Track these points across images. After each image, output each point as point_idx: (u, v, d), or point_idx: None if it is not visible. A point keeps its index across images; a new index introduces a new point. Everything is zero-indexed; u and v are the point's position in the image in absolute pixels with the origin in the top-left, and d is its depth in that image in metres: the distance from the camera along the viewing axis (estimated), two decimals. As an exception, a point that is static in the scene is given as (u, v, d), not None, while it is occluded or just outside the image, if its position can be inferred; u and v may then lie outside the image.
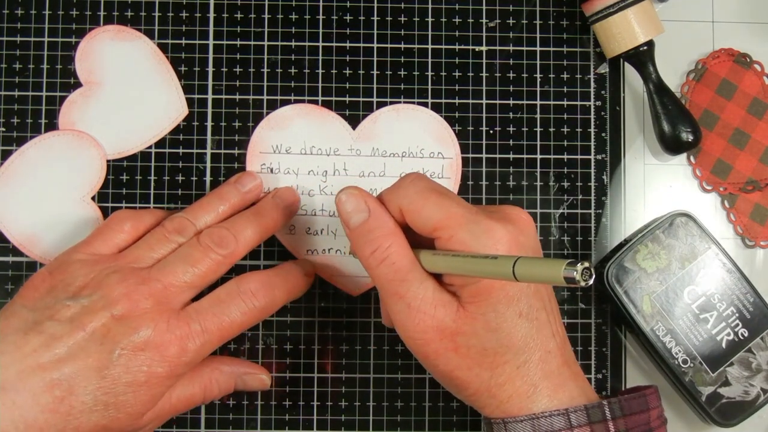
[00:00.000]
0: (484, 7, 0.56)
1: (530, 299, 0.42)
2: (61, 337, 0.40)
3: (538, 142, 0.56)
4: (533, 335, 0.41)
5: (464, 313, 0.41)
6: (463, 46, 0.56)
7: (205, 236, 0.45)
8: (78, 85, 0.55)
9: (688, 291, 0.52)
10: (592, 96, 0.56)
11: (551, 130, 0.56)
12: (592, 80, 0.56)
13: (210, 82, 0.55)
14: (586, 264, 0.33)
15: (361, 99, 0.55)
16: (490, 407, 0.42)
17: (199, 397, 0.47)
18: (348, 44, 0.56)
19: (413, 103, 0.55)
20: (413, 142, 0.55)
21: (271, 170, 0.54)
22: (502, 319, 0.41)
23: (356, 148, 0.55)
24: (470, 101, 0.56)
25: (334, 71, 0.56)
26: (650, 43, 0.53)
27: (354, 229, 0.44)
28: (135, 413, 0.41)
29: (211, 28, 0.56)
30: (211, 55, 0.55)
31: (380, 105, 0.55)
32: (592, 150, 0.56)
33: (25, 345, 0.40)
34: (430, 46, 0.56)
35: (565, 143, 0.56)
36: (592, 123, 0.56)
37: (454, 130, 0.55)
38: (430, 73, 0.56)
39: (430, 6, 0.56)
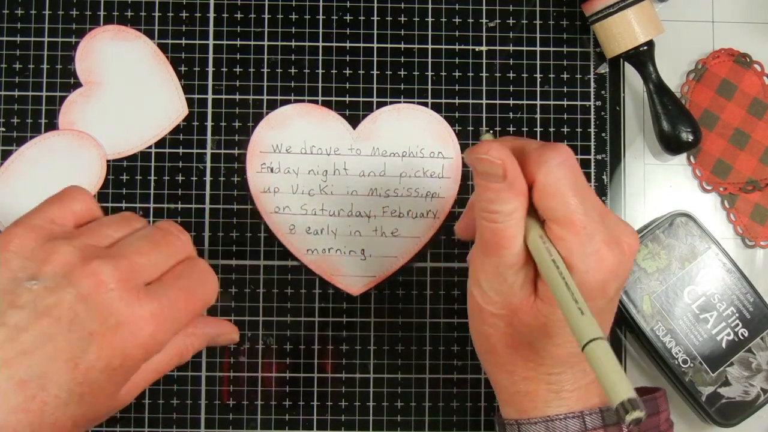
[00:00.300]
0: (484, 7, 0.56)
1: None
2: (26, 327, 0.37)
3: (538, 142, 0.56)
4: (579, 353, 0.39)
5: (534, 305, 0.40)
6: (463, 46, 0.56)
7: (162, 223, 0.43)
8: (78, 85, 0.55)
9: (688, 291, 0.52)
10: (592, 96, 0.56)
11: (551, 130, 0.56)
12: (592, 80, 0.56)
13: (210, 82, 0.55)
14: (640, 416, 0.31)
15: (361, 99, 0.55)
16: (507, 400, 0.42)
17: (175, 362, 0.44)
18: (348, 44, 0.56)
19: (413, 103, 0.56)
20: (413, 141, 0.55)
21: (271, 170, 0.55)
22: (561, 331, 0.40)
23: (356, 147, 0.55)
24: (470, 101, 0.56)
25: (334, 71, 0.56)
26: (650, 43, 0.53)
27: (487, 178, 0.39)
28: (111, 395, 0.39)
29: (211, 28, 0.56)
30: (211, 55, 0.55)
31: (380, 105, 0.55)
32: (592, 150, 0.56)
33: None
34: (430, 46, 0.56)
35: (565, 143, 0.56)
36: (592, 123, 0.56)
37: (454, 130, 0.55)
38: (430, 73, 0.56)
39: (430, 6, 0.56)
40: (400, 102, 0.55)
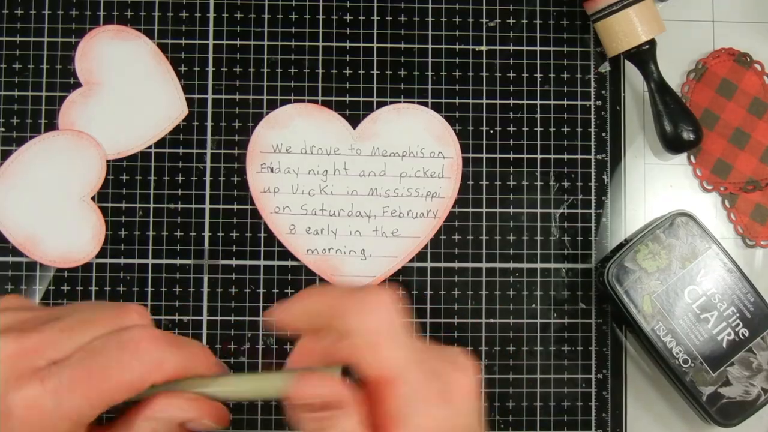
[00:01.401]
0: (484, 7, 0.56)
1: None
2: None
3: (538, 142, 0.56)
4: None
5: None
6: (463, 46, 0.56)
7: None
8: (78, 85, 0.55)
9: (688, 291, 0.52)
10: (593, 96, 0.56)
11: (551, 130, 0.56)
12: (592, 80, 0.56)
13: (210, 82, 0.55)
14: None
15: (361, 99, 0.55)
16: None
17: None
18: (348, 44, 0.56)
19: (413, 103, 0.55)
20: (414, 141, 0.55)
21: (271, 170, 0.54)
22: None
23: (356, 147, 0.55)
24: (470, 101, 0.56)
25: (334, 71, 0.56)
26: (652, 42, 0.53)
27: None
28: None
29: (211, 28, 0.56)
30: (211, 55, 0.55)
31: (380, 105, 0.55)
32: (593, 150, 0.56)
33: None
34: (430, 46, 0.56)
35: (566, 143, 0.56)
36: (593, 123, 0.56)
37: (455, 130, 0.55)
38: (430, 73, 0.56)
39: (430, 6, 0.56)
40: (400, 102, 0.55)
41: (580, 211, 0.56)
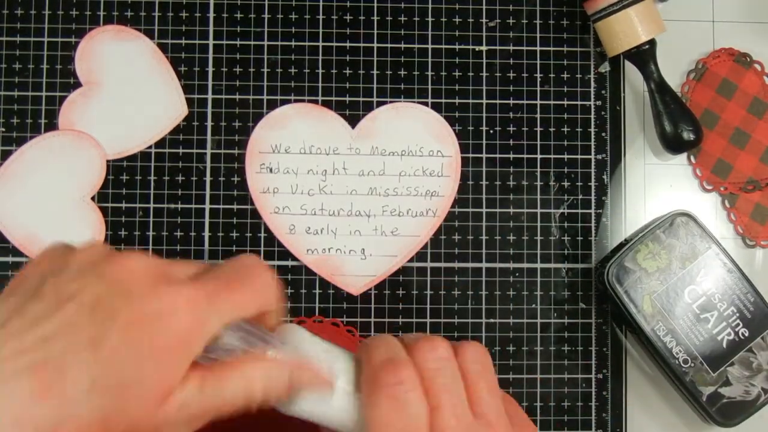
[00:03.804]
0: (484, 7, 0.56)
1: None
2: (46, 315, 0.34)
3: (538, 142, 0.56)
4: None
5: None
6: (463, 46, 0.56)
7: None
8: (78, 85, 0.55)
9: (688, 291, 0.52)
10: (593, 96, 0.56)
11: (551, 130, 0.56)
12: (592, 80, 0.56)
13: (210, 82, 0.55)
14: None
15: (361, 99, 0.55)
16: None
17: (236, 400, 0.37)
18: (348, 44, 0.56)
19: (413, 102, 0.55)
20: (413, 140, 0.55)
21: (271, 170, 0.54)
22: None
23: (356, 147, 0.55)
24: (470, 101, 0.56)
25: (334, 71, 0.56)
26: (652, 42, 0.53)
27: None
28: (144, 398, 0.34)
29: (211, 28, 0.56)
30: (211, 55, 0.55)
31: (380, 105, 0.55)
32: (593, 150, 0.56)
33: (4, 329, 0.34)
34: (430, 46, 0.56)
35: (566, 143, 0.56)
36: (593, 123, 0.56)
37: (454, 130, 0.55)
38: (430, 73, 0.56)
39: (430, 6, 0.56)
40: (399, 101, 0.55)
41: (580, 211, 0.56)
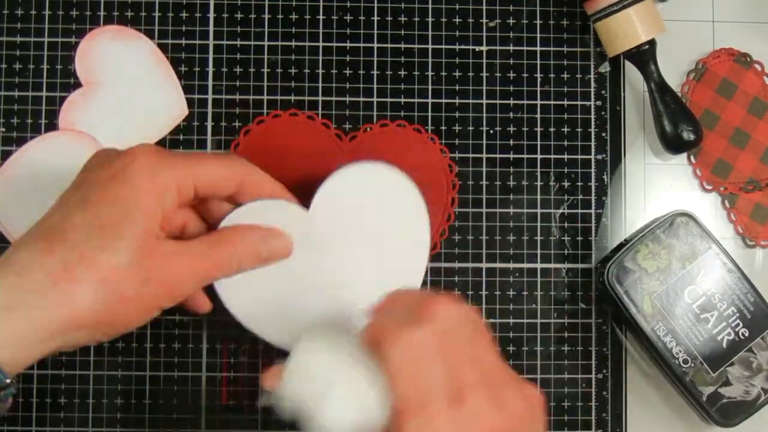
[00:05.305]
0: (484, 7, 0.56)
1: None
2: (68, 195, 0.42)
3: (538, 142, 0.56)
4: None
5: None
6: (463, 46, 0.56)
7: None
8: (78, 85, 0.55)
9: (688, 291, 0.52)
10: (593, 96, 0.56)
11: (551, 130, 0.56)
12: (592, 80, 0.56)
13: (210, 82, 0.55)
14: None
15: (361, 99, 0.55)
16: None
17: (213, 269, 0.44)
18: (348, 44, 0.56)
19: (413, 102, 0.55)
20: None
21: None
22: None
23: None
24: (470, 101, 0.56)
25: (334, 71, 0.56)
26: (652, 42, 0.53)
27: None
28: (136, 238, 0.40)
29: (211, 28, 0.56)
30: (211, 55, 0.55)
31: (380, 105, 0.55)
32: (593, 150, 0.56)
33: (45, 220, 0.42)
34: (430, 46, 0.56)
35: (566, 143, 0.56)
36: (593, 123, 0.56)
37: (454, 130, 0.55)
38: (430, 73, 0.56)
39: (430, 6, 0.56)
40: (399, 102, 0.55)
41: (580, 211, 0.56)
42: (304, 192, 0.48)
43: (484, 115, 0.56)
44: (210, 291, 0.47)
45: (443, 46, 0.56)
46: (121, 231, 0.40)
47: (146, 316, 0.42)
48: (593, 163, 0.56)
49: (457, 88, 0.56)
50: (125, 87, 0.55)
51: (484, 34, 0.56)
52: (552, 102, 0.56)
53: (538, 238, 0.55)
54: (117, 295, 0.39)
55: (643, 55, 0.53)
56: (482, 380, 0.37)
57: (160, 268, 0.41)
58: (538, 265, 0.55)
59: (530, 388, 0.39)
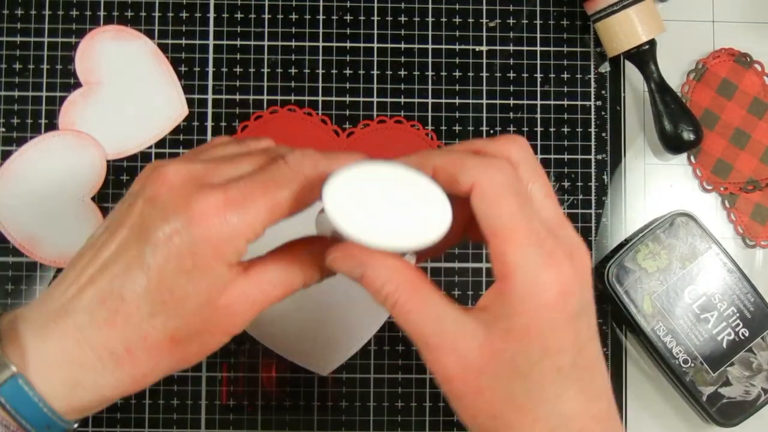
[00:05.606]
0: (484, 7, 0.56)
1: (576, 356, 0.35)
2: (105, 242, 0.36)
3: (538, 142, 0.56)
4: (574, 396, 0.34)
5: (491, 349, 0.34)
6: (463, 46, 0.56)
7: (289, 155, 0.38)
8: (78, 85, 0.55)
9: (688, 291, 0.52)
10: (593, 96, 0.56)
11: (551, 130, 0.56)
12: (592, 80, 0.56)
13: (210, 82, 0.55)
14: None
15: (361, 99, 0.55)
16: None
17: (279, 291, 0.38)
18: (348, 44, 0.56)
19: (413, 102, 0.55)
20: None
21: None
22: (534, 368, 0.34)
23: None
24: (470, 101, 0.56)
25: (334, 71, 0.56)
26: (652, 42, 0.53)
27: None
28: (201, 306, 0.35)
29: (211, 28, 0.56)
30: (211, 55, 0.55)
31: (380, 105, 0.55)
32: (593, 150, 0.56)
33: (79, 262, 0.37)
34: (430, 46, 0.56)
35: (565, 143, 0.56)
36: (593, 123, 0.56)
37: (454, 130, 0.55)
38: (430, 73, 0.56)
39: (430, 6, 0.56)
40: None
41: (580, 211, 0.56)
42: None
43: (484, 115, 0.56)
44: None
45: (443, 46, 0.56)
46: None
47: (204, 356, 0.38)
48: (593, 163, 0.56)
49: (457, 87, 0.56)
50: (125, 87, 0.55)
51: (484, 34, 0.56)
52: (552, 102, 0.56)
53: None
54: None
55: (643, 55, 0.53)
56: (551, 226, 0.36)
57: (219, 322, 0.37)
58: (538, 265, 0.55)
59: (581, 245, 0.37)
